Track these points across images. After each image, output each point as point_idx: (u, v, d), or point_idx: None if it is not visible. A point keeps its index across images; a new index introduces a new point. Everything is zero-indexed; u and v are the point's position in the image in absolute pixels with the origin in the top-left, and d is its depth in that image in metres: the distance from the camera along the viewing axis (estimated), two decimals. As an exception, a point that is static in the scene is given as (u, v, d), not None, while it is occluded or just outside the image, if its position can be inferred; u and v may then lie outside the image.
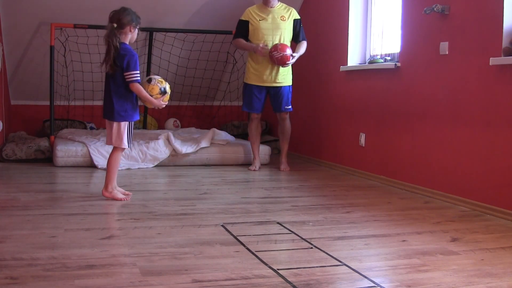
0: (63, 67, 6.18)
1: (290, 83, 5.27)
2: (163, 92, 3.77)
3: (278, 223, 3.23)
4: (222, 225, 3.14)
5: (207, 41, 6.46)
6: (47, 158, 5.47)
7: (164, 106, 3.83)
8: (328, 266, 2.48)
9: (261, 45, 5.02)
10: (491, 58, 3.51)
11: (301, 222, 3.27)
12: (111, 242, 2.79)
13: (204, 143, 5.57)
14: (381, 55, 5.02)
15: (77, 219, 3.23)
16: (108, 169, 3.81)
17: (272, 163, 5.69)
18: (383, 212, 3.59)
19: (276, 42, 5.07)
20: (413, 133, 4.34)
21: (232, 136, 6.11)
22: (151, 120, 6.92)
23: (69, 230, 2.98)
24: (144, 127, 6.73)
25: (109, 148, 3.88)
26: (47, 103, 6.10)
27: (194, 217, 3.35)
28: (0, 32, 5.67)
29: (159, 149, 5.40)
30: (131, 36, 3.73)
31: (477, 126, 3.69)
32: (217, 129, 6.22)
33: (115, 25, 3.63)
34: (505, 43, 3.48)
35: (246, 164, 5.58)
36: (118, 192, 3.82)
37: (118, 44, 3.63)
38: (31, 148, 5.46)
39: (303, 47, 5.20)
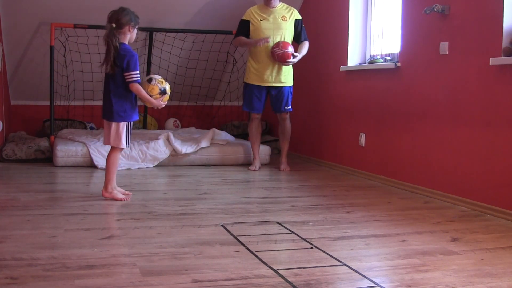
0: (63, 67, 6.18)
1: (291, 84, 5.26)
2: (163, 93, 3.77)
3: (278, 223, 3.23)
4: (222, 225, 3.14)
5: (207, 41, 6.46)
6: (47, 158, 5.47)
7: (163, 106, 3.83)
8: (328, 266, 2.48)
9: (264, 38, 4.99)
10: (491, 58, 3.51)
11: (301, 222, 3.27)
12: (111, 242, 2.79)
13: (204, 143, 5.57)
14: (381, 55, 5.02)
15: (77, 219, 3.23)
16: (107, 170, 3.81)
17: (272, 163, 5.69)
18: (383, 212, 3.59)
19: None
20: (413, 133, 4.34)
21: (232, 136, 6.11)
22: (151, 120, 6.92)
23: (69, 230, 2.98)
24: (144, 127, 6.73)
25: (109, 148, 3.88)
26: (47, 103, 6.10)
27: (194, 217, 3.35)
28: (0, 32, 5.67)
29: (159, 149, 5.40)
30: (130, 36, 3.73)
31: (477, 126, 3.69)
32: (217, 129, 6.22)
33: (114, 25, 3.63)
34: (505, 43, 3.48)
35: (246, 164, 5.58)
36: (118, 192, 3.82)
37: (117, 44, 3.63)
38: (31, 148, 5.46)
39: (305, 47, 5.19)
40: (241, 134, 6.76)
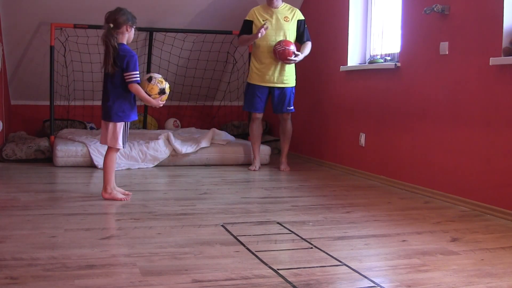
0: (63, 67, 6.18)
1: (293, 85, 5.27)
2: (162, 92, 3.77)
3: (278, 223, 3.23)
4: (222, 225, 3.14)
5: (207, 41, 6.46)
6: (47, 158, 5.47)
7: (162, 105, 3.83)
8: (328, 266, 2.48)
9: (263, 26, 4.98)
10: (491, 58, 3.51)
11: (301, 222, 3.27)
12: (111, 242, 2.79)
13: (204, 143, 5.57)
14: (381, 55, 5.02)
15: (77, 219, 3.23)
16: (104, 171, 3.80)
17: (272, 163, 5.69)
18: (383, 212, 3.59)
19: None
20: (413, 133, 4.34)
21: (232, 136, 6.11)
22: (151, 120, 6.92)
23: (69, 230, 2.98)
24: (144, 127, 6.73)
25: (110, 148, 3.88)
26: (47, 103, 6.10)
27: (194, 217, 3.35)
28: (0, 32, 5.67)
29: (159, 149, 5.40)
30: (128, 35, 3.74)
31: (477, 126, 3.68)
32: (217, 129, 6.22)
33: (111, 25, 3.64)
34: (505, 43, 3.48)
35: (246, 164, 5.58)
36: (118, 193, 3.82)
37: (116, 44, 3.63)
38: (31, 148, 5.46)
39: (307, 47, 5.20)
40: (241, 134, 6.76)
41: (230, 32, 6.15)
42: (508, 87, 3.45)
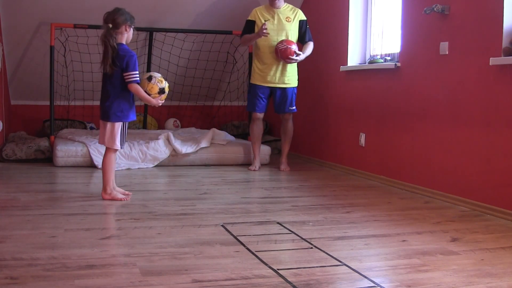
0: (63, 67, 6.18)
1: (295, 85, 5.27)
2: (162, 92, 3.77)
3: (278, 223, 3.23)
4: (222, 225, 3.14)
5: (207, 41, 6.46)
6: (47, 158, 5.47)
7: (161, 104, 3.83)
8: (328, 266, 2.48)
9: (263, 27, 4.98)
10: (491, 58, 3.51)
11: (301, 222, 3.27)
12: (111, 242, 2.79)
13: (204, 143, 5.57)
14: (381, 55, 5.02)
15: (77, 219, 3.23)
16: (103, 171, 3.80)
17: (272, 163, 5.69)
18: (383, 212, 3.59)
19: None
20: (413, 133, 4.34)
21: (232, 136, 6.11)
22: (151, 120, 6.92)
23: (69, 230, 2.98)
24: (144, 127, 6.73)
25: (110, 148, 3.88)
26: (47, 103, 6.10)
27: (194, 217, 3.35)
28: (0, 32, 5.67)
29: (159, 149, 5.40)
30: (127, 35, 3.74)
31: (477, 126, 3.68)
32: (217, 129, 6.22)
33: (110, 25, 3.64)
34: (505, 43, 3.48)
35: (246, 164, 5.58)
36: (118, 193, 3.82)
37: (115, 44, 3.64)
38: (31, 148, 5.46)
39: (309, 47, 5.20)
40: (241, 134, 6.76)
41: (230, 32, 6.15)
42: (508, 87, 3.45)
